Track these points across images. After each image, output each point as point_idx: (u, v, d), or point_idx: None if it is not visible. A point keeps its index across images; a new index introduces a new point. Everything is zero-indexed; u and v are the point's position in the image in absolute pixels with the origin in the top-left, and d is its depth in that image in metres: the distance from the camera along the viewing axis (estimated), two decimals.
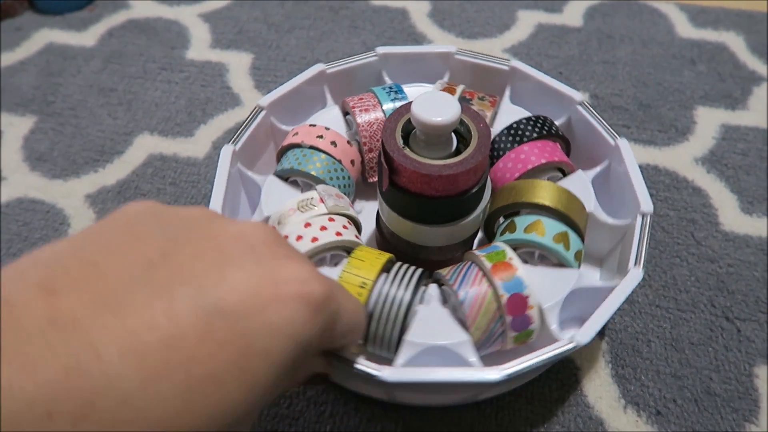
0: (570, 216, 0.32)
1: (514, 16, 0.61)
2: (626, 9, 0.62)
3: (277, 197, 0.35)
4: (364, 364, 0.26)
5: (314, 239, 0.31)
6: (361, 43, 0.58)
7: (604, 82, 0.54)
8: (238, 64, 0.56)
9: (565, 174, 0.37)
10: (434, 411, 0.34)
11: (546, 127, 0.38)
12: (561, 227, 0.32)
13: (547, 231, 0.32)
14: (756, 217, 0.43)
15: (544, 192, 0.33)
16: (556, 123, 0.41)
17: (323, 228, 0.32)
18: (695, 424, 0.33)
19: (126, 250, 0.16)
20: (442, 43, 0.58)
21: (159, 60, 0.56)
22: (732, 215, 0.43)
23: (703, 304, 0.38)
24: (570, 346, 0.28)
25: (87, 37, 0.59)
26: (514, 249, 0.32)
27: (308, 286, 0.18)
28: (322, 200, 0.33)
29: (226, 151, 0.36)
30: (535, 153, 0.36)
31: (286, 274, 0.18)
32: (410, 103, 0.31)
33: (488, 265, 0.30)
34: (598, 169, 0.38)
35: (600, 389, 0.35)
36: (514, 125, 0.38)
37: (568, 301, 0.31)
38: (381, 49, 0.43)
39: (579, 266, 0.32)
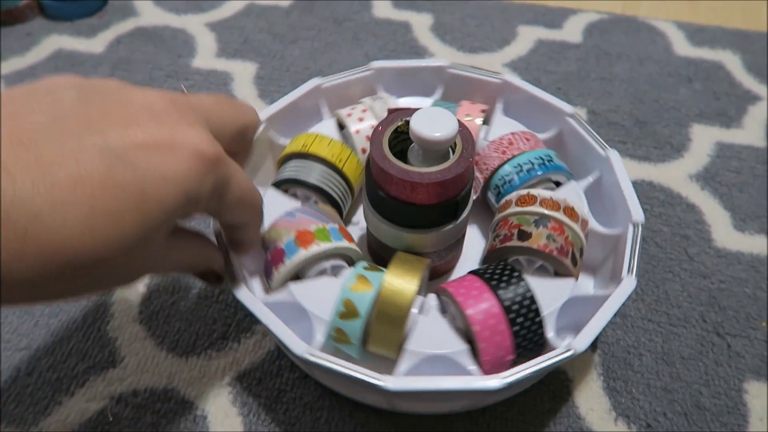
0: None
1: (515, 31, 0.62)
2: (625, 26, 0.63)
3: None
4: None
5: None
6: (363, 55, 0.59)
7: (601, 98, 0.55)
8: (242, 74, 0.57)
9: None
10: (427, 418, 0.34)
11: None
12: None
13: None
14: (748, 234, 0.44)
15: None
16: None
17: (360, 119, 0.39)
18: None
19: (44, 107, 0.19)
20: (443, 56, 0.59)
21: (165, 68, 0.57)
22: (725, 232, 0.44)
23: (695, 319, 0.39)
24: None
25: (96, 44, 0.60)
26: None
27: (201, 146, 0.21)
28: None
29: None
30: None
31: (183, 137, 0.21)
32: (400, 110, 0.32)
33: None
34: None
35: (591, 401, 0.35)
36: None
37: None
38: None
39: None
